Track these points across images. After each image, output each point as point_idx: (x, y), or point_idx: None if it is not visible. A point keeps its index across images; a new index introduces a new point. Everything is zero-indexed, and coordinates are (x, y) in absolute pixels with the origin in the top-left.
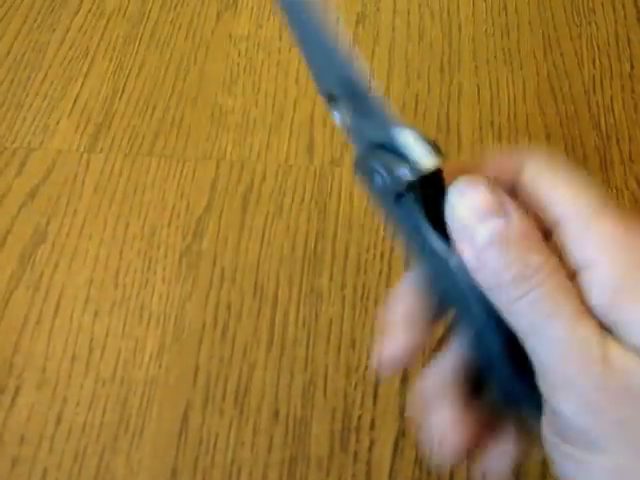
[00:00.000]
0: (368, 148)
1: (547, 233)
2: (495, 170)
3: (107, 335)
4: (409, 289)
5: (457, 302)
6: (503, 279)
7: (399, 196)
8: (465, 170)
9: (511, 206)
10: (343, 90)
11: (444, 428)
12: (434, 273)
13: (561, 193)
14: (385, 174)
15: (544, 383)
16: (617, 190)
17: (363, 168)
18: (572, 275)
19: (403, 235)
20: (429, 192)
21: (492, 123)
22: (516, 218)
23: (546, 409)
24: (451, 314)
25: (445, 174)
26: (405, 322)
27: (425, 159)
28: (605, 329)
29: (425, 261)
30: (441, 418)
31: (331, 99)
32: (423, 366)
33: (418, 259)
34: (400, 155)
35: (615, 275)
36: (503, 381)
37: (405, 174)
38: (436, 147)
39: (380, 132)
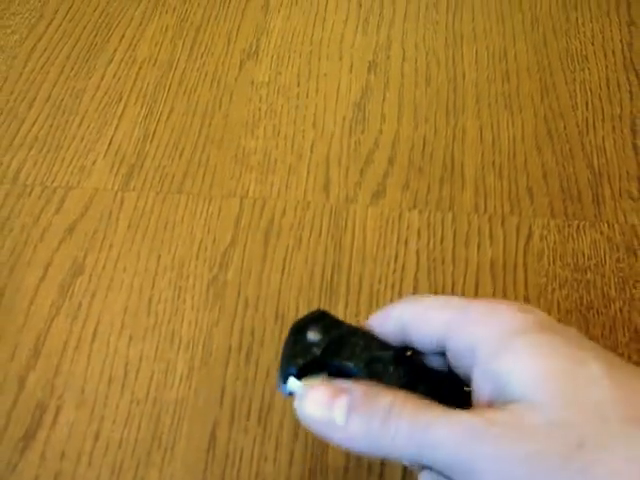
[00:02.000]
0: None
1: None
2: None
3: (141, 359)
4: None
5: None
6: (373, 435)
7: None
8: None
9: (346, 384)
10: None
11: None
12: None
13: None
14: None
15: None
16: (608, 224)
17: None
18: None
19: None
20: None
21: (493, 162)
22: (355, 388)
23: None
24: None
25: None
26: None
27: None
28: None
29: None
30: None
31: None
32: None
33: None
34: None
35: (488, 350)
36: None
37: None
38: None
39: None
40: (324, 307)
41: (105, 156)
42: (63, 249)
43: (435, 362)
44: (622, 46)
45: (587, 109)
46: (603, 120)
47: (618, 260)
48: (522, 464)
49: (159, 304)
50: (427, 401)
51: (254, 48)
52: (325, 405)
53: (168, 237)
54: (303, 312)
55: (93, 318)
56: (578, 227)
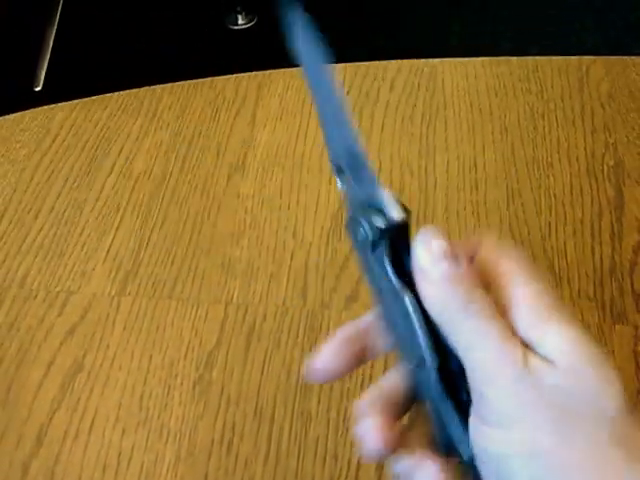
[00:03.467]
0: (357, 208)
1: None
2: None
3: (132, 449)
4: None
5: (406, 337)
6: (452, 306)
7: (374, 245)
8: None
9: (460, 254)
10: (347, 161)
11: (367, 430)
12: (392, 311)
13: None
14: (366, 225)
15: (477, 378)
16: None
17: (352, 225)
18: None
19: (374, 281)
20: (398, 242)
21: None
22: (464, 263)
23: (474, 398)
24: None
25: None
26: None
27: (395, 214)
28: (527, 346)
29: (386, 301)
30: (367, 423)
31: (339, 170)
32: None
33: (382, 300)
34: (379, 211)
35: (534, 313)
36: (438, 413)
37: (379, 224)
38: (404, 207)
39: (367, 195)
40: (299, 403)
41: (104, 263)
42: (64, 349)
43: None
44: (586, 153)
45: (550, 214)
46: (565, 224)
47: None
48: (514, 402)
49: (150, 400)
50: (498, 316)
51: (241, 161)
52: (434, 258)
53: (159, 339)
54: (279, 408)
55: (90, 412)
56: None
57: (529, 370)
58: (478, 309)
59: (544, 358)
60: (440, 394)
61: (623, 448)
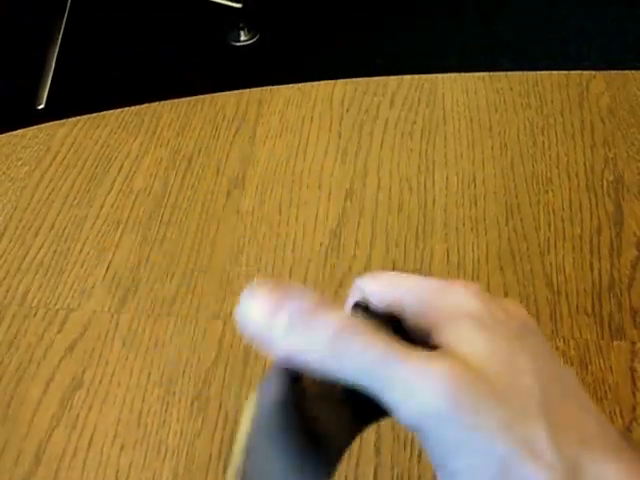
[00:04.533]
0: None
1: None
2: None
3: (130, 466)
4: None
5: None
6: (319, 337)
7: None
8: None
9: (297, 290)
10: None
11: None
12: None
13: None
14: None
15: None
16: (564, 339)
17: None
18: None
19: None
20: None
21: None
22: (306, 295)
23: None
24: None
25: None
26: None
27: None
28: None
29: None
30: None
31: None
32: None
33: None
34: None
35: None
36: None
37: None
38: None
39: None
40: None
41: (103, 280)
42: (64, 366)
43: None
44: (585, 168)
45: (549, 230)
46: (564, 240)
47: None
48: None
49: (148, 416)
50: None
51: (241, 178)
52: (268, 312)
53: (158, 355)
54: None
55: (89, 429)
56: None
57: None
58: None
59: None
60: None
61: None
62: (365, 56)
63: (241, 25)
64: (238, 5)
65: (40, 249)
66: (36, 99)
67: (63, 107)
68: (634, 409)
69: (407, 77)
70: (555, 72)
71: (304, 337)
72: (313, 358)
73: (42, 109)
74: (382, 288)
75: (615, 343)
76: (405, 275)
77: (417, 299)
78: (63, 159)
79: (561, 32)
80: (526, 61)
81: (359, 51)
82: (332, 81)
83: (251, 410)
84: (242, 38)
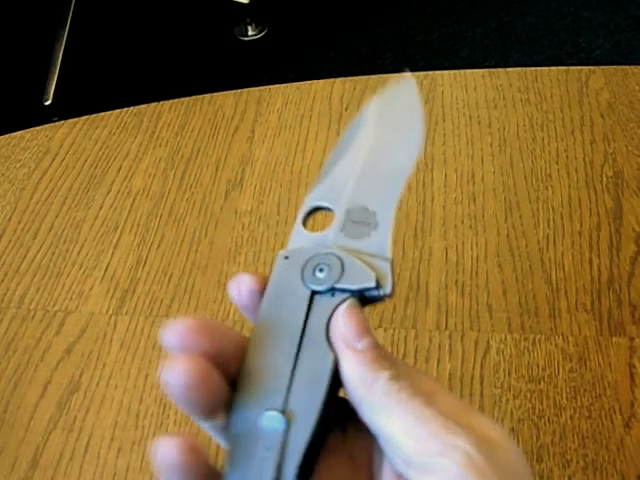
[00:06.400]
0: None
1: None
2: None
3: (128, 469)
4: None
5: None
6: (380, 376)
7: (331, 292)
8: None
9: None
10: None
11: None
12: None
13: None
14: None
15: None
16: (563, 337)
17: (313, 260)
18: None
19: (286, 319)
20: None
21: (456, 281)
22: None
23: None
24: None
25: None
26: None
27: (387, 288)
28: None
29: (286, 341)
30: None
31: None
32: None
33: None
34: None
35: (454, 399)
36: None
37: (358, 284)
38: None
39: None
40: None
41: (101, 282)
42: (61, 368)
43: None
44: (584, 164)
45: (548, 226)
46: (563, 236)
47: (571, 370)
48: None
49: (145, 419)
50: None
51: (239, 178)
52: (359, 330)
53: (155, 357)
54: None
55: (86, 432)
56: (534, 340)
57: (482, 443)
58: (406, 387)
59: (484, 436)
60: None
61: None
62: (374, 52)
63: (248, 20)
64: (245, 0)
65: (38, 251)
66: (43, 95)
67: (70, 103)
68: (632, 405)
69: (406, 75)
70: (554, 68)
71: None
72: (363, 389)
73: (49, 105)
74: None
75: (614, 339)
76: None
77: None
78: (62, 160)
79: (572, 23)
80: (536, 54)
81: (368, 47)
82: (331, 79)
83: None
84: (249, 33)
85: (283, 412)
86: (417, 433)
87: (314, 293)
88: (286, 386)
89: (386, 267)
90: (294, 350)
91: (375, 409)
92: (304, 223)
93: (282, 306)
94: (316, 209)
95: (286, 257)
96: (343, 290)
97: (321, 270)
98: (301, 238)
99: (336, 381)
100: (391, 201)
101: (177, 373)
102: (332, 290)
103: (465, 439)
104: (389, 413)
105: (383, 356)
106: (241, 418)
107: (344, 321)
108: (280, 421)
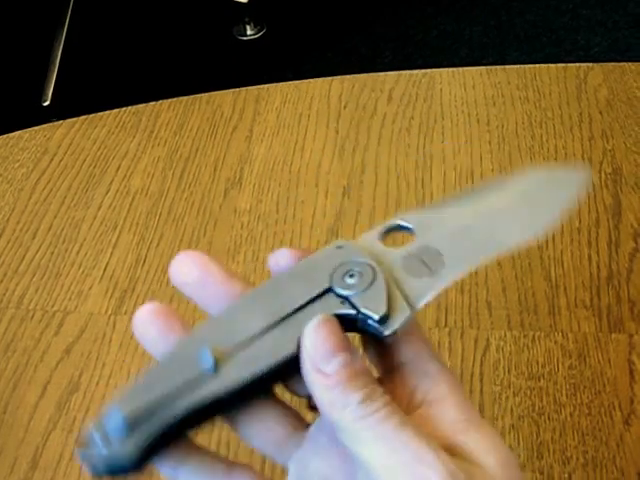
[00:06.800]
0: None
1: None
2: None
3: None
4: None
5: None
6: (351, 399)
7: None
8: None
9: (354, 347)
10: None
11: None
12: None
13: (408, 338)
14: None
15: None
16: (562, 333)
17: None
18: (412, 407)
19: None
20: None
21: None
22: (358, 354)
23: None
24: None
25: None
26: None
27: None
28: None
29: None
30: None
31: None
32: None
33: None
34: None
35: (461, 411)
36: None
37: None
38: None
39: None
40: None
41: (100, 281)
42: (61, 368)
43: None
44: (583, 160)
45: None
46: (562, 233)
47: (570, 367)
48: None
49: None
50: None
51: (238, 177)
52: (328, 350)
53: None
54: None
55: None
56: (534, 337)
57: (458, 475)
58: (386, 402)
59: (468, 459)
60: None
61: None
62: (373, 52)
63: (247, 19)
64: None
65: (37, 251)
66: (42, 95)
67: (69, 103)
68: (632, 402)
69: (404, 72)
70: (553, 65)
71: (347, 390)
72: (334, 414)
73: (48, 105)
74: None
75: (613, 336)
76: None
77: None
78: (60, 160)
79: (571, 21)
80: (535, 52)
81: (367, 47)
82: (329, 78)
83: None
84: (248, 32)
85: (218, 358)
86: (387, 462)
87: (330, 289)
88: (240, 340)
89: (405, 313)
90: (274, 319)
91: (346, 435)
92: (385, 232)
93: (298, 281)
94: (402, 228)
95: (339, 247)
96: (351, 304)
97: (352, 276)
98: (368, 241)
99: (288, 369)
100: (466, 265)
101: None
102: (344, 299)
103: (436, 471)
104: (360, 439)
105: (356, 374)
106: (189, 340)
107: (312, 340)
108: (209, 362)
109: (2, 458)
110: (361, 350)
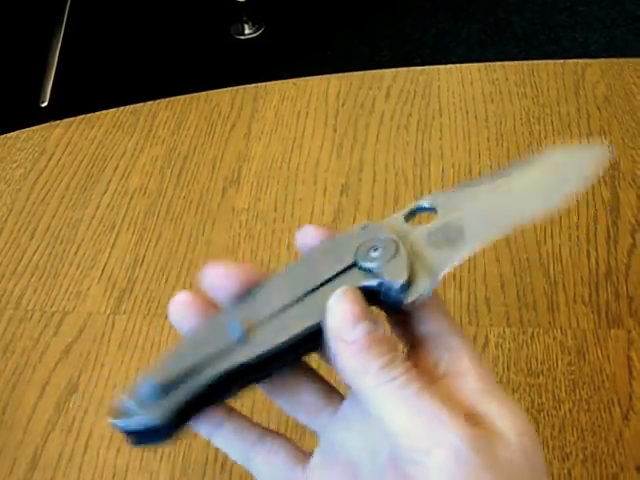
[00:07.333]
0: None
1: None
2: None
3: (127, 469)
4: None
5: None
6: (372, 366)
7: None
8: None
9: (377, 317)
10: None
11: None
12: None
13: (431, 313)
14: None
15: (402, 454)
16: (561, 330)
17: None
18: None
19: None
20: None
21: (454, 276)
22: (382, 326)
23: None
24: None
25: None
26: None
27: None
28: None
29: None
30: None
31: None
32: None
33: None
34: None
35: (482, 382)
36: None
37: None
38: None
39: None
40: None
41: (99, 282)
42: (59, 369)
43: None
44: None
45: (546, 219)
46: (560, 229)
47: (569, 363)
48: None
49: None
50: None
51: (236, 175)
52: (351, 318)
53: (154, 356)
54: (274, 426)
55: (85, 432)
56: (532, 334)
57: (477, 438)
58: (407, 369)
59: (488, 428)
60: None
61: None
62: (371, 50)
63: (245, 18)
64: None
65: (35, 252)
66: (39, 96)
67: (67, 104)
68: (631, 398)
69: (402, 70)
70: (551, 61)
71: (370, 356)
72: (358, 379)
73: (46, 106)
74: None
75: (612, 332)
76: None
77: None
78: (58, 160)
79: (568, 19)
80: (533, 49)
81: (365, 45)
82: (327, 76)
83: None
84: (246, 31)
85: (247, 329)
86: (407, 426)
87: (355, 264)
88: (268, 313)
89: (426, 282)
90: (300, 293)
91: (369, 401)
92: (409, 215)
93: (324, 257)
94: (426, 209)
95: (364, 227)
96: (375, 276)
97: (375, 250)
98: (392, 221)
99: (314, 339)
100: (485, 235)
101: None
102: (368, 271)
103: (455, 434)
104: (381, 404)
105: (379, 341)
106: (219, 314)
107: (336, 309)
108: (238, 331)
109: (2, 458)
110: (386, 324)
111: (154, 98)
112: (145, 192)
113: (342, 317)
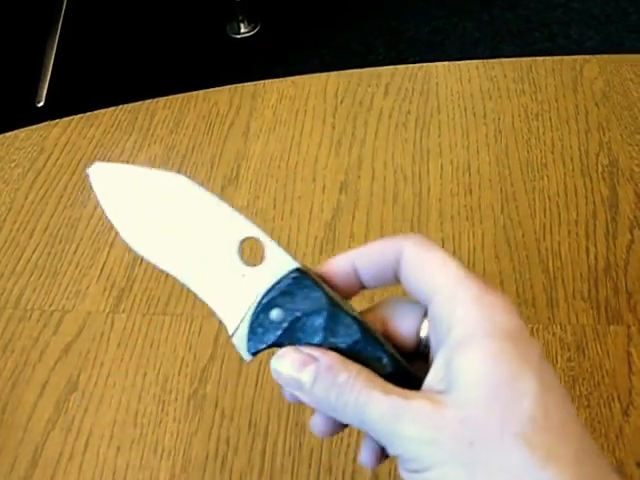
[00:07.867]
0: None
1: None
2: (379, 255)
3: (127, 467)
4: None
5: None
6: (330, 402)
7: None
8: (350, 259)
9: (315, 352)
10: None
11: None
12: None
13: (430, 270)
14: None
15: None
16: (561, 326)
17: None
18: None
19: None
20: None
21: None
22: (322, 358)
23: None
24: None
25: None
26: None
27: None
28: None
29: None
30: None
31: None
32: None
33: None
34: None
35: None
36: None
37: None
38: None
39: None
40: (293, 416)
41: (98, 281)
42: (59, 368)
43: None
44: (580, 153)
45: (545, 216)
46: (559, 225)
47: (569, 359)
48: (424, 448)
49: (144, 417)
50: (378, 380)
51: (235, 174)
52: (296, 369)
53: (153, 355)
54: (273, 421)
55: (85, 431)
56: (532, 330)
57: (443, 415)
58: (351, 387)
59: (441, 391)
60: None
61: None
62: (366, 48)
63: (240, 17)
64: None
65: (34, 251)
66: (35, 96)
67: (63, 104)
68: (630, 394)
69: (401, 67)
70: (549, 57)
71: (323, 391)
72: (328, 412)
73: (42, 106)
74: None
75: (612, 327)
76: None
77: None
78: (57, 159)
79: (563, 15)
80: (528, 46)
81: (360, 43)
82: (325, 73)
83: None
84: (242, 30)
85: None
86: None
87: None
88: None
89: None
90: None
91: (346, 417)
92: None
93: None
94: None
95: None
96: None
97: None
98: None
99: None
100: None
101: None
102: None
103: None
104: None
105: (330, 368)
106: None
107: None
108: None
109: (2, 457)
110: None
111: (148, 97)
112: None
113: (288, 379)
